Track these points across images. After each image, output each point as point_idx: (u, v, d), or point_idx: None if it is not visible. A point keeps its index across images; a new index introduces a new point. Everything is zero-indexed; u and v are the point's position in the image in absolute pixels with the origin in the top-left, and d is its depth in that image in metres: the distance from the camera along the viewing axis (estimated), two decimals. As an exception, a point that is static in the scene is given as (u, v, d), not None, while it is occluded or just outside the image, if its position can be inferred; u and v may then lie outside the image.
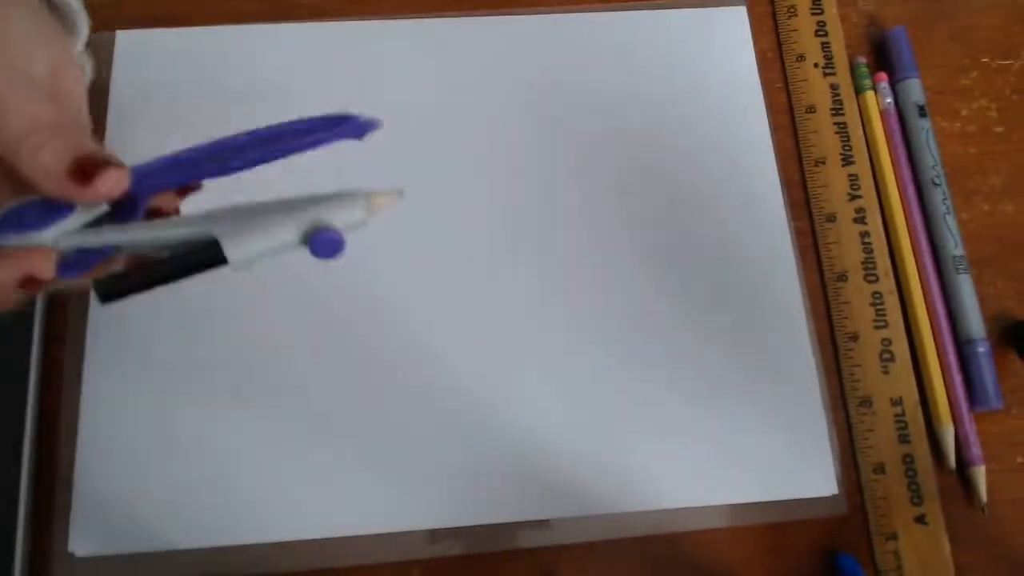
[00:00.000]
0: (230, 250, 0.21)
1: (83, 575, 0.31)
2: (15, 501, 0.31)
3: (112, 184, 0.23)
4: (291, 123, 0.25)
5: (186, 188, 0.28)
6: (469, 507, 0.32)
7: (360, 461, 0.32)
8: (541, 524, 0.32)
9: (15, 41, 0.25)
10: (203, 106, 0.37)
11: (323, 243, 0.22)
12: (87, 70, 0.33)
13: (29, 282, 0.23)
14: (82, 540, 0.31)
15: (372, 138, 0.37)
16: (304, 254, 0.22)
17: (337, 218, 0.22)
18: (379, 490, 0.32)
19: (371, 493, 0.32)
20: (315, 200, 0.22)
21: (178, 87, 0.37)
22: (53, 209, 0.23)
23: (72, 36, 0.32)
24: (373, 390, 0.33)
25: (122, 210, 0.25)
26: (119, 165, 0.23)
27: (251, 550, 0.31)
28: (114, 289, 0.23)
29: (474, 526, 0.32)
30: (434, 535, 0.32)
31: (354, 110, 0.38)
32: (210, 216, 0.23)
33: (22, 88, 0.24)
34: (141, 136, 0.36)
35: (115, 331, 0.33)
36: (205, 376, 0.33)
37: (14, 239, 0.23)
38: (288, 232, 0.22)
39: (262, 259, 0.22)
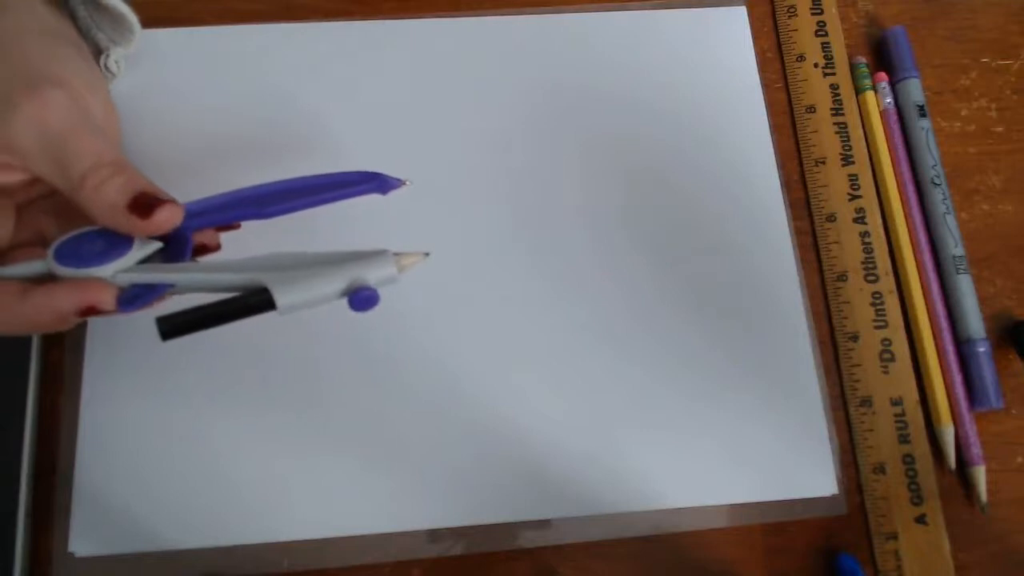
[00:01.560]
0: (279, 298, 0.24)
1: (83, 575, 0.31)
2: (15, 501, 0.31)
3: (168, 217, 0.25)
4: (325, 176, 0.28)
5: (227, 227, 0.30)
6: (469, 507, 0.32)
7: (360, 461, 0.32)
8: (541, 524, 0.32)
9: (76, 81, 0.27)
10: (203, 106, 0.37)
11: (361, 300, 0.25)
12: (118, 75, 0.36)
13: (89, 311, 0.25)
14: (82, 540, 0.31)
15: (373, 138, 0.37)
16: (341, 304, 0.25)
17: (372, 276, 0.25)
18: (379, 490, 0.32)
19: (371, 493, 0.32)
20: (353, 257, 0.25)
21: (178, 87, 0.37)
22: (112, 244, 0.25)
23: (123, 45, 0.34)
24: (373, 390, 0.33)
25: (173, 248, 0.27)
26: (174, 201, 0.26)
27: (251, 550, 0.31)
28: (175, 326, 0.24)
29: (474, 526, 0.32)
30: (434, 535, 0.32)
31: (354, 110, 0.38)
32: (258, 264, 0.25)
33: (87, 126, 0.26)
34: (141, 136, 0.36)
35: (115, 332, 0.33)
36: (204, 376, 0.33)
37: (73, 271, 0.25)
38: (331, 288, 0.24)
39: (304, 308, 0.24)
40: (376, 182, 0.29)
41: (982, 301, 0.36)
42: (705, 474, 0.33)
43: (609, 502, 0.33)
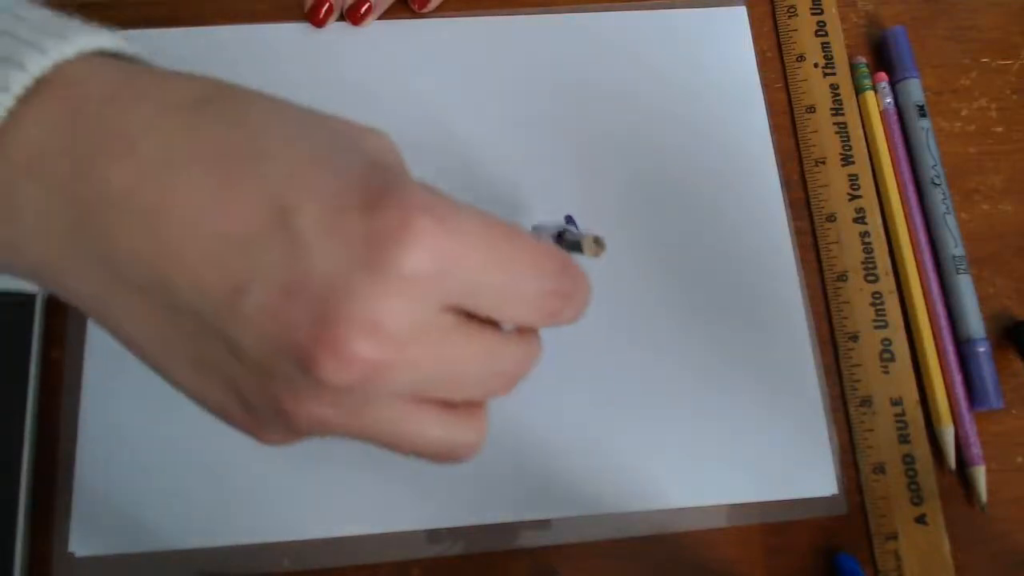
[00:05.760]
0: None
1: (83, 575, 0.31)
2: (15, 501, 0.31)
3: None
4: None
5: None
6: (469, 507, 0.32)
7: (360, 461, 0.32)
8: (541, 524, 0.32)
9: None
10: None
11: None
12: None
13: None
14: (82, 540, 0.31)
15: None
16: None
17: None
18: (379, 490, 0.32)
19: (371, 493, 0.32)
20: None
21: (178, 87, 0.37)
22: None
23: None
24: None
25: None
26: None
27: (251, 550, 0.31)
28: None
29: (474, 526, 0.32)
30: (434, 535, 0.32)
31: (354, 110, 0.38)
32: None
33: None
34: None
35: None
36: (205, 376, 0.33)
37: None
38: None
39: None
40: None
41: (982, 301, 0.36)
42: (705, 474, 0.33)
43: (609, 502, 0.33)
